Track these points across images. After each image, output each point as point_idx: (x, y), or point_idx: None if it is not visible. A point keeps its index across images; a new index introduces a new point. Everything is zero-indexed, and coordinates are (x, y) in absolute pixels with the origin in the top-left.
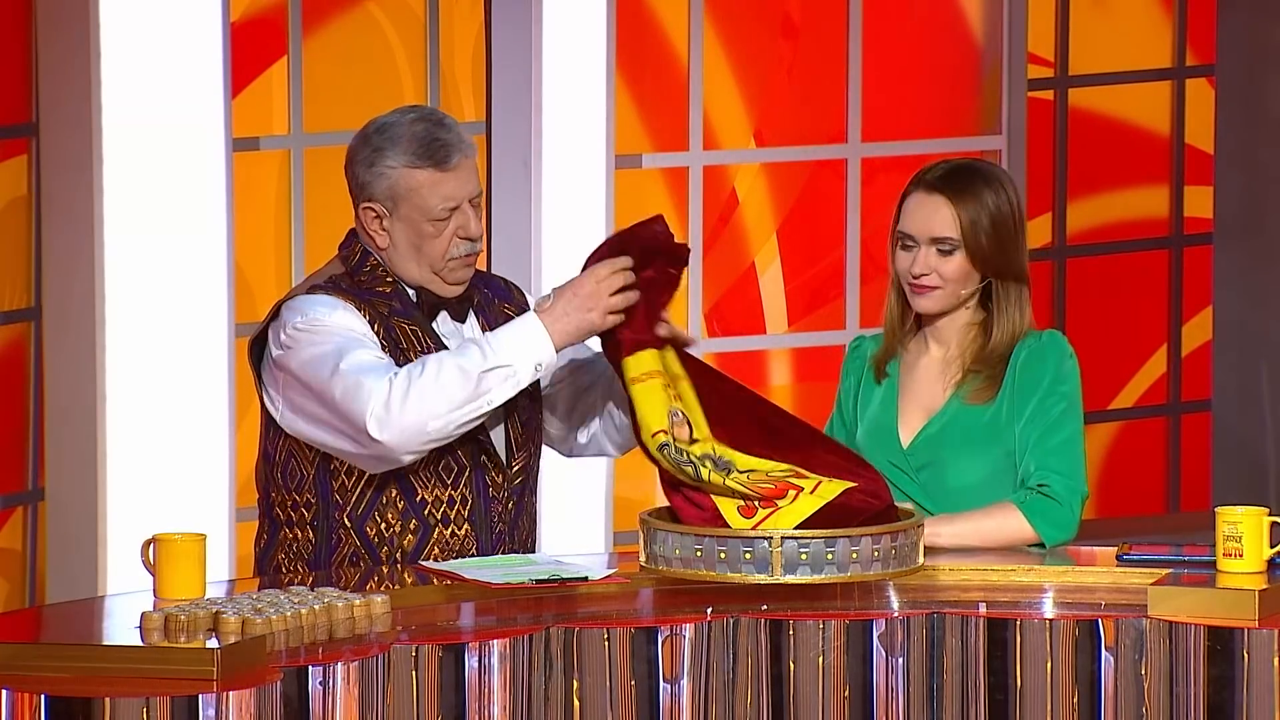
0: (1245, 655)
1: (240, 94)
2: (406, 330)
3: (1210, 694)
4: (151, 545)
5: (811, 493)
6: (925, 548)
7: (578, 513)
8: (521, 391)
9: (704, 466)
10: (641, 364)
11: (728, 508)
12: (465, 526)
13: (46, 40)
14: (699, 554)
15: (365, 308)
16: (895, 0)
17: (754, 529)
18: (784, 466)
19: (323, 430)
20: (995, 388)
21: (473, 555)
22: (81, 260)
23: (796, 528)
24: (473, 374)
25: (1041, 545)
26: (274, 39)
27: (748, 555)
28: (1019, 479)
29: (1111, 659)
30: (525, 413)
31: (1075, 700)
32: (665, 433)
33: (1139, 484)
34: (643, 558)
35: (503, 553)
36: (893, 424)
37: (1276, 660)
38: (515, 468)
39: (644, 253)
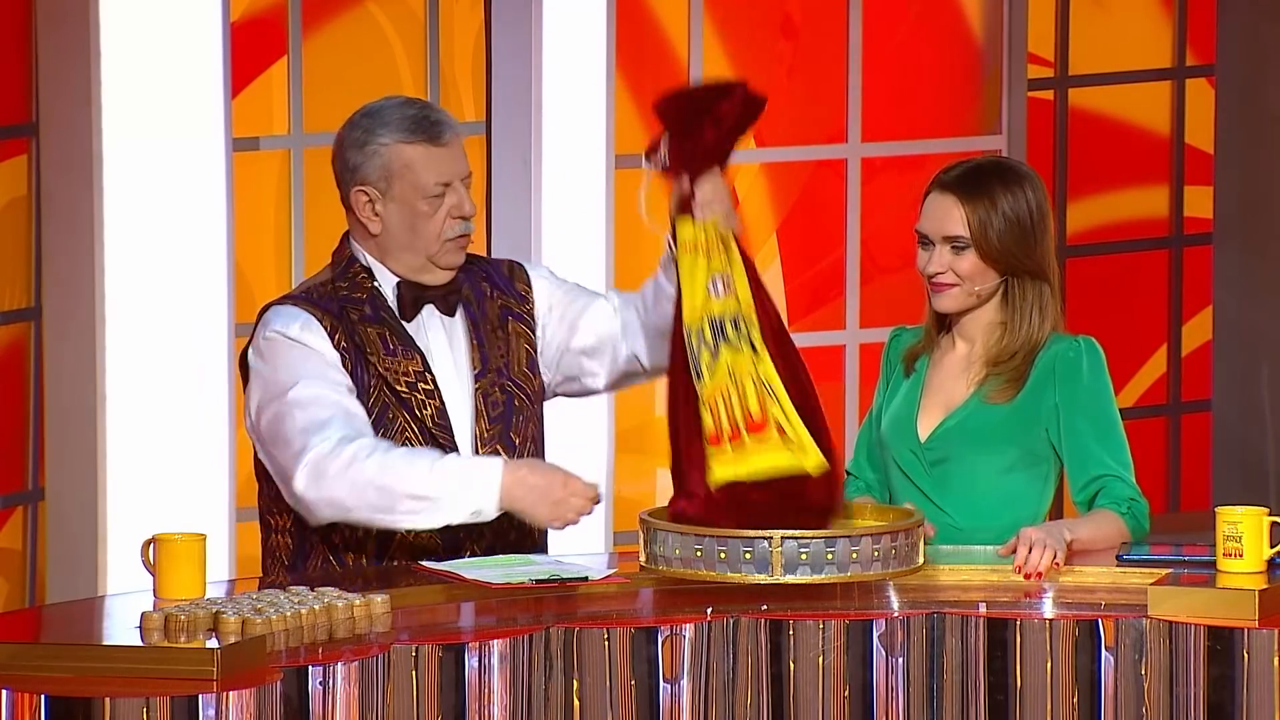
0: (1245, 655)
1: (240, 94)
2: (372, 335)
3: (1210, 694)
4: (151, 545)
5: (783, 443)
6: (1068, 544)
7: None
8: (498, 388)
9: (725, 331)
10: (684, 231)
11: (705, 418)
12: None
13: (46, 40)
14: (699, 554)
15: (330, 319)
16: (895, 0)
17: (713, 465)
18: (784, 396)
19: (264, 455)
20: (1016, 388)
21: (439, 553)
22: (81, 260)
23: (764, 483)
24: (399, 492)
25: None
26: (274, 39)
27: (748, 555)
28: (1085, 480)
29: (1111, 659)
30: (499, 408)
31: (1075, 700)
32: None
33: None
34: (643, 558)
35: (473, 549)
36: (913, 417)
37: (1276, 660)
38: None
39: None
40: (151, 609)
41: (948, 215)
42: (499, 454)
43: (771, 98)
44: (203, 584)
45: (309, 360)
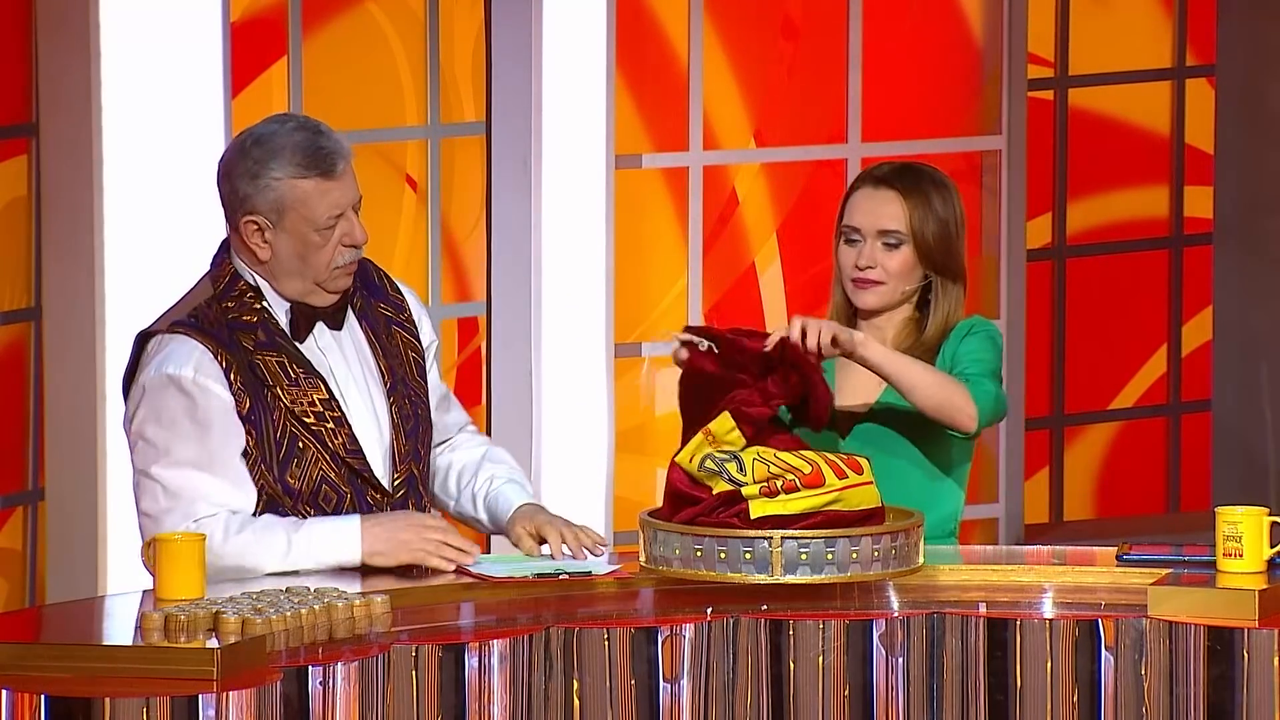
0: (1245, 655)
1: (240, 94)
2: (271, 364)
3: (1210, 694)
4: (152, 545)
5: (840, 487)
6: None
7: (578, 513)
8: (407, 399)
9: (747, 456)
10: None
11: (751, 491)
12: None
13: (46, 40)
14: (699, 554)
15: (224, 352)
16: (895, 0)
17: (759, 518)
18: (823, 465)
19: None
20: None
21: None
22: (81, 260)
23: (803, 515)
24: (260, 572)
25: (963, 434)
26: (274, 39)
27: (748, 555)
28: None
29: (1111, 659)
30: (410, 421)
31: (1075, 700)
32: (702, 448)
33: (1139, 484)
34: (643, 558)
35: None
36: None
37: (1276, 660)
38: (398, 481)
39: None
40: (151, 609)
41: (885, 209)
42: (413, 471)
43: (771, 98)
44: (203, 584)
45: (195, 413)
